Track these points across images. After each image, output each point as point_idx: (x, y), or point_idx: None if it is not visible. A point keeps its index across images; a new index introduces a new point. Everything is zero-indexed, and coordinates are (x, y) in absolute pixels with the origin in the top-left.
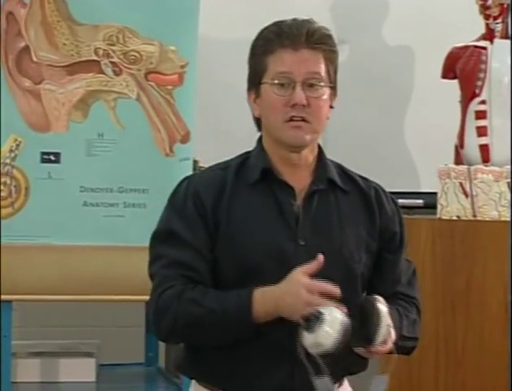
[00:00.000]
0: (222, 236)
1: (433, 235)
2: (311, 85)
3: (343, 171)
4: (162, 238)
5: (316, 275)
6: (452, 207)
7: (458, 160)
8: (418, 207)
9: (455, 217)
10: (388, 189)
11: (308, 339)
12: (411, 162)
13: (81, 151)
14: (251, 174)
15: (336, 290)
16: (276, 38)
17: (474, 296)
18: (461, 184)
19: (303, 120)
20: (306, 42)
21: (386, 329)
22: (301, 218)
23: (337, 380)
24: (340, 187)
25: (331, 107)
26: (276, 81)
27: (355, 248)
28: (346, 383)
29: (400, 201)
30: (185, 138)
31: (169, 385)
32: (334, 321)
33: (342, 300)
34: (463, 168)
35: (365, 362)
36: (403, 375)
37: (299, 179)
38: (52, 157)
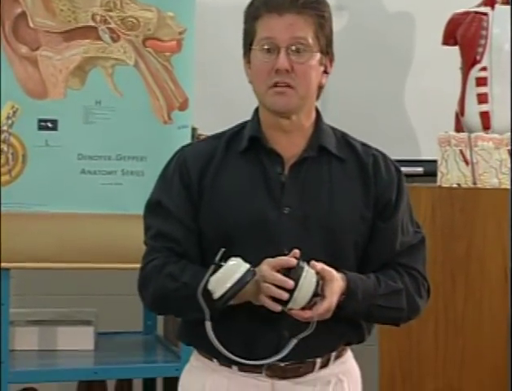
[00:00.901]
0: (205, 205)
1: (433, 202)
2: (298, 51)
3: (344, 138)
4: (151, 208)
5: (300, 244)
6: (452, 174)
7: (458, 128)
8: (418, 175)
9: (455, 185)
10: None
11: (209, 283)
12: (411, 129)
13: (78, 119)
14: (241, 143)
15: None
16: (263, 4)
17: (474, 264)
18: (461, 151)
19: (288, 85)
20: (292, 7)
21: (309, 296)
22: (286, 186)
23: (333, 348)
24: (335, 155)
25: (325, 72)
26: (261, 47)
27: (348, 216)
28: (348, 354)
29: None
30: (183, 106)
31: (167, 353)
32: (231, 273)
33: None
34: (463, 135)
35: (361, 331)
36: (402, 344)
37: (291, 146)
38: (49, 124)
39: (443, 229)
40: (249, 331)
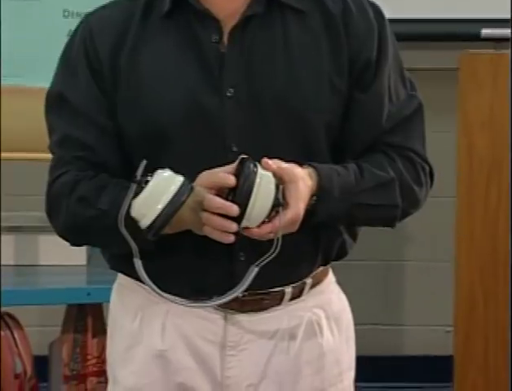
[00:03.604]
0: (123, 94)
1: None
2: None
3: None
4: (52, 104)
5: (253, 136)
6: None
7: None
8: (506, 39)
9: None
10: (461, 15)
11: (132, 208)
12: None
13: None
14: (163, 3)
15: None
16: None
17: None
18: None
19: None
20: None
21: (267, 208)
22: (227, 59)
23: (307, 271)
24: (290, 6)
25: None
26: None
27: (313, 90)
28: (328, 279)
29: (485, 32)
30: None
31: None
32: (161, 190)
33: (297, 165)
34: None
35: (340, 241)
36: (485, 258)
37: (230, 2)
38: None
39: None
40: (194, 260)
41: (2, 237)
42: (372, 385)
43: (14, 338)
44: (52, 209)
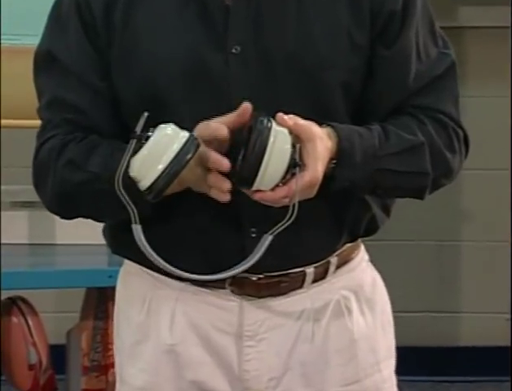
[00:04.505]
0: (117, 52)
1: None
2: None
3: None
4: (41, 64)
5: (261, 98)
6: None
7: None
8: None
9: None
10: None
11: (131, 167)
12: None
13: None
14: None
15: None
16: None
17: None
18: None
19: None
20: None
21: (282, 169)
22: (233, 13)
23: (331, 248)
24: None
25: None
26: None
27: (329, 46)
28: (360, 257)
29: None
30: None
31: None
32: (164, 147)
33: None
34: None
35: (369, 213)
36: None
37: None
38: None
39: None
40: (198, 232)
41: (16, 213)
42: (425, 379)
43: (28, 325)
44: (39, 179)
